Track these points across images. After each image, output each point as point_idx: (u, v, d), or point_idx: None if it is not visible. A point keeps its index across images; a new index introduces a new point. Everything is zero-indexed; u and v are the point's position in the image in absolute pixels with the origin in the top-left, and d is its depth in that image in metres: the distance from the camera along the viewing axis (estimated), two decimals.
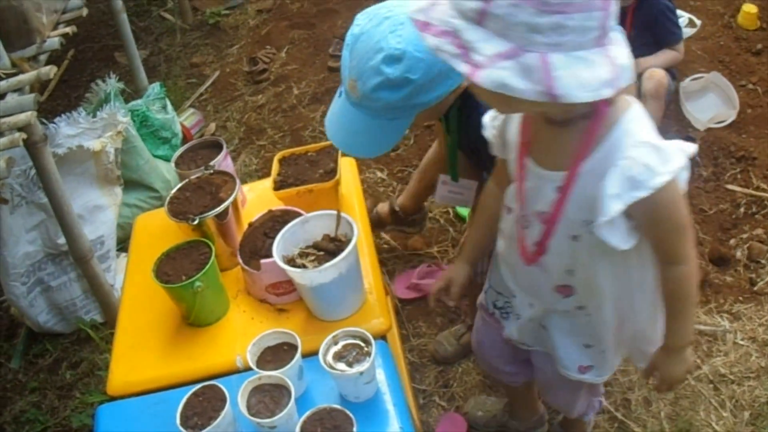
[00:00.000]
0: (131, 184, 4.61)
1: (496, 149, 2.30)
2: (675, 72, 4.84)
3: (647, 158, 1.83)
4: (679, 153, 1.86)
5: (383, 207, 4.41)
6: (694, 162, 4.50)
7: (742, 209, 4.36)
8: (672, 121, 4.93)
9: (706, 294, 3.95)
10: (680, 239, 2.06)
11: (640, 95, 4.56)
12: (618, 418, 3.45)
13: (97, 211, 4.29)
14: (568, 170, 1.99)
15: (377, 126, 2.35)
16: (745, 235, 4.23)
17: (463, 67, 1.62)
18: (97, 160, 4.19)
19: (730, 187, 4.50)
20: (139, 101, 5.03)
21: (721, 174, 4.59)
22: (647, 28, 4.57)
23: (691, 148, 1.90)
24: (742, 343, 3.70)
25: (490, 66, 1.59)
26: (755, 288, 3.96)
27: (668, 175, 1.82)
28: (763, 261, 4.08)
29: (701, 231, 4.26)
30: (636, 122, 1.90)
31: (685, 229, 2.04)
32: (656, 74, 4.50)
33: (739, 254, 4.13)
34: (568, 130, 1.95)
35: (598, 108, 1.87)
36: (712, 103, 5.04)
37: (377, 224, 4.39)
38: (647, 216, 1.98)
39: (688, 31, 5.45)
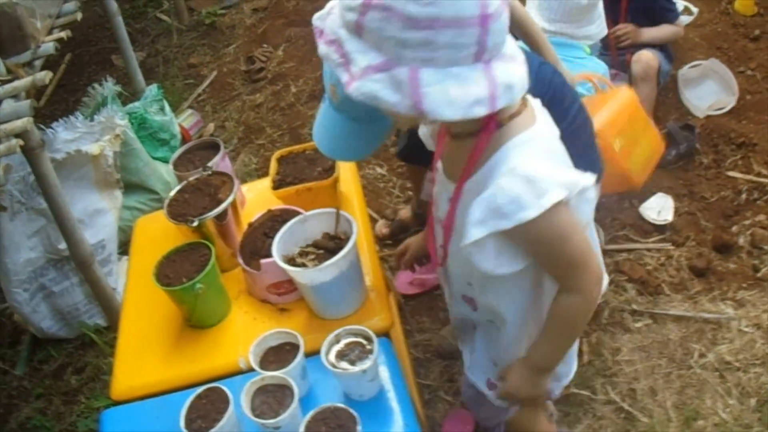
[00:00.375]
0: (131, 186, 4.60)
1: (431, 146, 2.30)
2: (671, 53, 4.83)
3: (517, 189, 1.78)
4: (558, 188, 1.79)
5: (405, 212, 4.49)
6: (694, 150, 4.51)
7: (743, 196, 4.36)
8: (671, 109, 4.93)
9: (709, 282, 3.95)
10: (570, 272, 2.00)
11: (630, 79, 4.59)
12: (624, 408, 3.44)
13: (97, 215, 4.28)
14: (457, 184, 1.99)
15: (359, 129, 2.34)
16: (747, 222, 4.22)
17: (344, 77, 1.65)
18: (96, 164, 4.18)
19: (731, 173, 4.49)
20: (136, 104, 5.03)
21: (722, 161, 4.58)
22: (643, 12, 4.58)
23: (586, 180, 1.85)
24: (746, 330, 3.69)
25: (363, 78, 1.61)
26: (759, 274, 3.96)
27: (537, 210, 1.76)
28: (766, 247, 4.07)
29: (703, 219, 4.26)
30: (522, 147, 1.84)
31: (576, 264, 1.97)
32: (644, 56, 4.51)
33: (741, 241, 4.13)
34: (462, 143, 1.94)
35: (485, 126, 1.85)
36: (711, 90, 5.03)
37: (401, 230, 4.46)
38: (527, 246, 1.95)
39: (685, 19, 5.44)
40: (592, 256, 1.97)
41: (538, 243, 1.91)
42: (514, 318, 2.21)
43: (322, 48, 1.70)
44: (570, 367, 2.46)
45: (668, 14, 4.69)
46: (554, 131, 1.96)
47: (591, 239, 2.10)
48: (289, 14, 6.78)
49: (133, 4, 7.45)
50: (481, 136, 1.87)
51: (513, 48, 1.73)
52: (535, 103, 1.98)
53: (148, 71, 6.38)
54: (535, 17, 3.82)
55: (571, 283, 2.01)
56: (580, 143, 2.86)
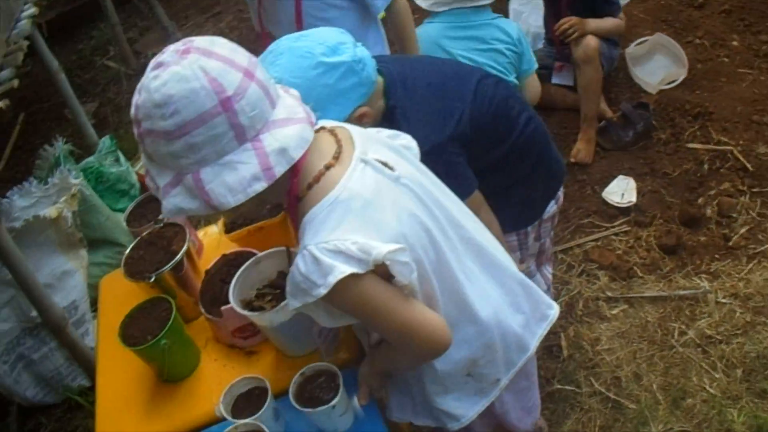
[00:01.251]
0: (96, 242, 4.58)
1: None
2: (616, 40, 4.84)
3: (306, 269, 1.80)
4: (345, 264, 1.78)
5: None
6: (651, 127, 4.51)
7: (705, 166, 4.36)
8: (623, 89, 4.94)
9: (681, 258, 3.96)
10: (392, 339, 2.03)
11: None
12: (611, 397, 3.44)
13: (65, 277, 4.25)
14: None
15: None
16: (712, 192, 4.23)
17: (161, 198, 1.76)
18: (57, 226, 4.16)
19: (690, 145, 4.50)
20: (91, 158, 5.01)
21: (680, 134, 4.58)
22: (584, 6, 4.57)
23: (382, 249, 1.80)
24: (724, 301, 3.70)
25: (166, 196, 1.73)
26: (730, 243, 3.97)
27: (325, 288, 1.77)
28: (734, 215, 4.08)
29: (668, 195, 4.27)
30: (314, 222, 1.84)
31: (396, 333, 1.96)
32: (582, 40, 4.51)
33: (709, 212, 4.13)
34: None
35: (288, 203, 1.92)
36: (661, 65, 5.03)
37: None
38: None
39: None
40: (420, 326, 1.96)
41: (350, 312, 1.93)
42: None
43: (146, 181, 1.82)
44: (467, 411, 2.37)
45: (609, 7, 4.69)
46: (368, 183, 1.90)
47: (440, 301, 2.08)
48: None
49: (80, 54, 7.43)
50: (288, 208, 1.95)
51: (288, 107, 1.81)
52: (362, 146, 1.98)
53: (102, 121, 6.36)
54: None
55: (396, 344, 2.05)
56: (535, 151, 2.85)
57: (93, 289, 4.36)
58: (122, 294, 2.98)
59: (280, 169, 1.72)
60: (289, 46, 2.36)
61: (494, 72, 3.90)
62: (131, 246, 2.83)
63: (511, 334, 2.27)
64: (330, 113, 2.26)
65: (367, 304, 1.87)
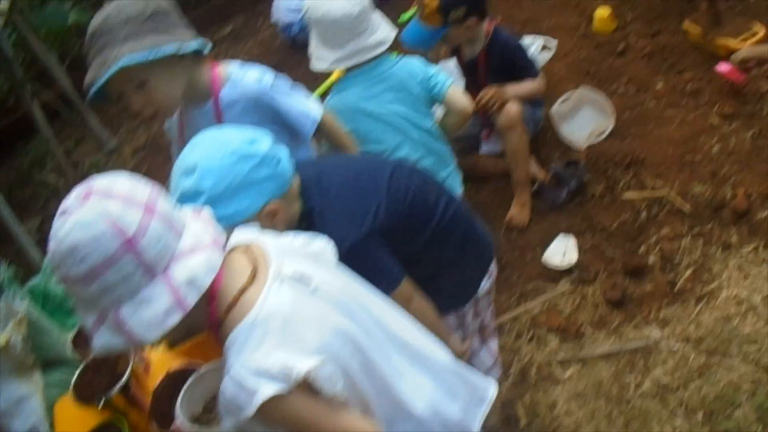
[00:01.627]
0: (50, 363, 4.52)
1: None
2: (539, 100, 4.90)
3: (232, 392, 1.83)
4: (268, 384, 1.79)
5: None
6: (584, 183, 4.54)
7: (643, 214, 4.40)
8: (553, 149, 4.97)
9: (629, 309, 3.98)
10: None
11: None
12: None
13: (21, 402, 4.20)
14: None
15: None
16: (653, 239, 4.27)
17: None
18: (6, 354, 4.12)
19: (626, 196, 4.53)
20: (36, 278, 4.97)
21: (614, 185, 4.62)
22: (502, 72, 4.61)
23: (304, 365, 1.82)
24: (676, 347, 3.72)
25: (94, 334, 1.78)
26: (676, 288, 3.99)
27: (252, 409, 1.79)
28: (677, 259, 4.11)
29: (609, 248, 4.30)
30: (235, 346, 1.87)
31: None
32: (504, 108, 4.51)
33: (652, 260, 4.17)
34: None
35: (210, 328, 1.96)
36: (588, 118, 5.05)
37: None
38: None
39: (546, 56, 5.52)
40: None
41: (282, 428, 1.94)
42: None
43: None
44: None
45: (527, 72, 4.71)
46: (285, 301, 1.92)
47: (377, 409, 2.10)
48: (167, 148, 6.75)
49: (19, 171, 7.38)
50: (213, 335, 1.98)
51: (194, 235, 1.86)
52: (277, 261, 2.01)
53: (46, 238, 6.27)
54: (326, 54, 3.85)
55: None
56: (458, 234, 2.88)
57: (52, 411, 4.33)
58: (77, 418, 2.96)
59: (192, 299, 1.77)
60: (210, 135, 2.44)
61: (418, 114, 3.99)
62: (78, 372, 2.85)
63: (451, 423, 2.29)
64: (242, 202, 2.35)
65: (296, 421, 1.89)
